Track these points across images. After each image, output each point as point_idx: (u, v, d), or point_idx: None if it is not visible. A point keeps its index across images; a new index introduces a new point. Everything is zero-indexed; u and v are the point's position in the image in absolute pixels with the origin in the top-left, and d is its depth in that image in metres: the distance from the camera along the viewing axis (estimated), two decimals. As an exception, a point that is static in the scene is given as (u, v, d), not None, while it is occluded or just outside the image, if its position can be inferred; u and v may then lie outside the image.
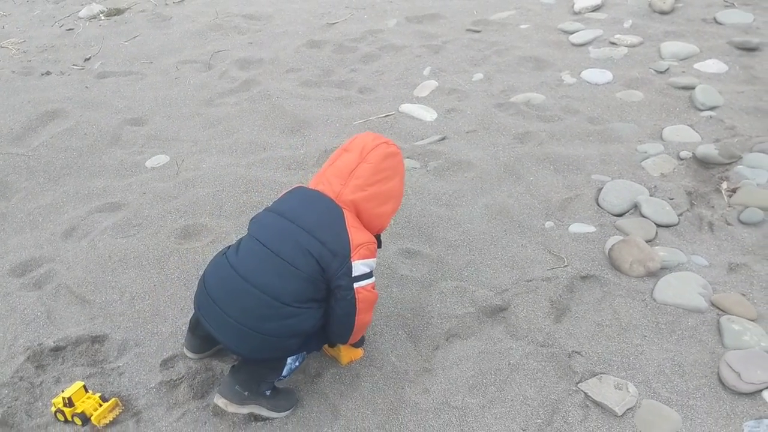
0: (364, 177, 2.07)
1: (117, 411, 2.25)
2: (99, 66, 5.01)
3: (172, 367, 2.42)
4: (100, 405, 2.22)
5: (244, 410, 2.14)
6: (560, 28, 4.83)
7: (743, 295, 2.48)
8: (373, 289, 2.07)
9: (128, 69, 4.93)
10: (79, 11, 6.14)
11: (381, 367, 2.33)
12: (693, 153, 3.27)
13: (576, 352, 2.32)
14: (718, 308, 2.43)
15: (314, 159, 3.54)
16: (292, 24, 5.43)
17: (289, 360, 2.10)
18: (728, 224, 2.86)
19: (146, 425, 2.21)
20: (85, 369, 2.43)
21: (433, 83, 4.26)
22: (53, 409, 2.23)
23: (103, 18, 6.02)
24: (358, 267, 1.99)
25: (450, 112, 3.92)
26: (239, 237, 2.93)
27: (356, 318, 2.04)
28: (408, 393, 2.23)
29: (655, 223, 2.86)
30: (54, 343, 2.52)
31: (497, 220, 3.02)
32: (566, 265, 2.71)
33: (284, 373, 2.12)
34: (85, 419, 2.19)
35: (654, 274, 2.58)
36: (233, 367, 2.19)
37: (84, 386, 2.25)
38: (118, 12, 6.15)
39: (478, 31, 4.97)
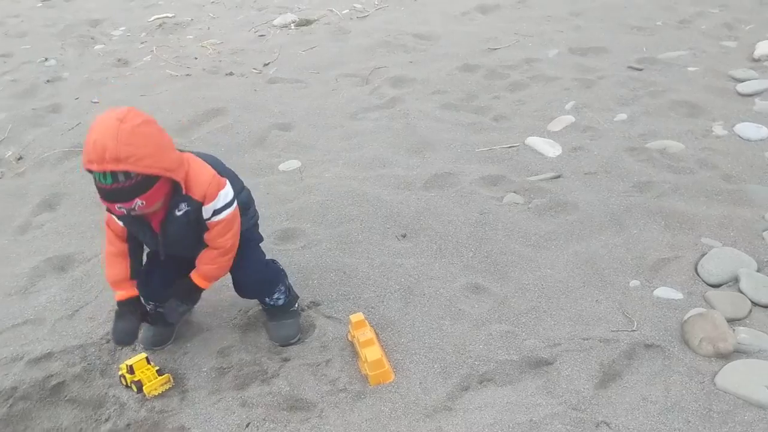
0: None
1: (167, 386, 2.51)
2: (273, 72, 5.48)
3: (227, 356, 2.64)
4: (155, 377, 2.50)
5: None
6: (730, 75, 4.43)
7: (825, 400, 2.16)
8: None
9: (296, 77, 5.34)
10: (275, 19, 6.74)
11: (405, 396, 2.36)
12: (830, 230, 2.87)
13: (605, 422, 2.18)
14: (785, 409, 2.14)
15: (422, 182, 3.62)
16: (456, 46, 5.53)
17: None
18: (842, 317, 2.49)
19: (187, 404, 2.44)
20: (160, 343, 2.75)
21: (570, 118, 4.13)
22: (119, 372, 2.55)
23: (293, 27, 6.56)
24: None
25: (576, 150, 3.78)
26: (327, 243, 3.14)
27: None
28: (421, 427, 2.24)
29: (752, 301, 2.57)
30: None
31: (580, 270, 2.89)
32: (634, 330, 2.53)
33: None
34: (140, 387, 2.47)
35: (724, 357, 2.33)
36: None
37: (146, 358, 2.53)
38: (307, 22, 6.66)
39: (639, 69, 4.71)
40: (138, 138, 1.95)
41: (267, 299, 2.66)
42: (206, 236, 2.33)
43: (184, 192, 2.16)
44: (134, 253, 2.43)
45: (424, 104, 4.58)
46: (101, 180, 1.96)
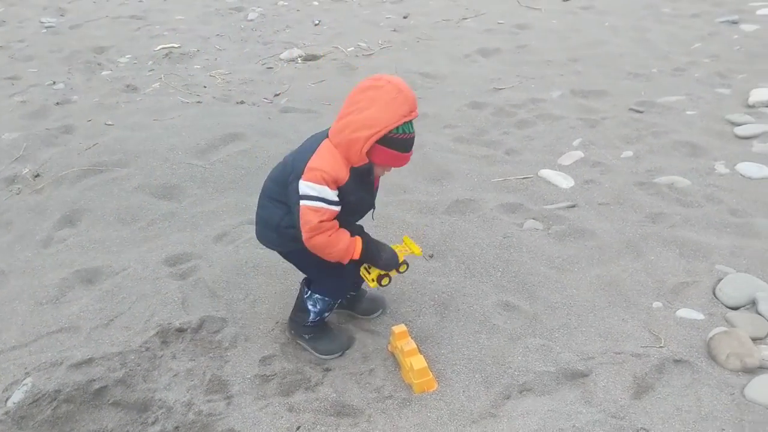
0: (342, 109, 2.33)
1: (404, 267, 2.63)
2: (285, 102, 5.63)
3: (269, 364, 2.71)
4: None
5: (299, 340, 2.80)
6: (728, 119, 4.69)
7: None
8: (315, 212, 2.31)
9: (308, 108, 5.49)
10: (281, 53, 6.92)
11: (450, 403, 2.46)
12: (836, 260, 3.07)
13: (645, 429, 2.29)
14: (814, 419, 2.28)
15: (444, 207, 3.76)
16: (462, 86, 5.74)
17: (310, 307, 2.69)
18: None
19: (234, 408, 2.50)
20: (199, 351, 2.80)
21: (579, 154, 4.33)
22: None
23: (299, 62, 6.74)
24: (303, 187, 2.31)
25: (588, 183, 3.97)
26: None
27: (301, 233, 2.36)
28: (468, 432, 2.34)
29: (771, 323, 2.73)
30: (180, 324, 2.92)
31: (604, 291, 3.03)
32: (662, 346, 2.67)
33: (311, 318, 2.71)
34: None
35: (750, 371, 2.48)
36: None
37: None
38: (314, 58, 6.84)
39: (640, 112, 4.96)
40: None
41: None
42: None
43: None
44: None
45: (438, 137, 4.74)
46: (411, 129, 2.37)
